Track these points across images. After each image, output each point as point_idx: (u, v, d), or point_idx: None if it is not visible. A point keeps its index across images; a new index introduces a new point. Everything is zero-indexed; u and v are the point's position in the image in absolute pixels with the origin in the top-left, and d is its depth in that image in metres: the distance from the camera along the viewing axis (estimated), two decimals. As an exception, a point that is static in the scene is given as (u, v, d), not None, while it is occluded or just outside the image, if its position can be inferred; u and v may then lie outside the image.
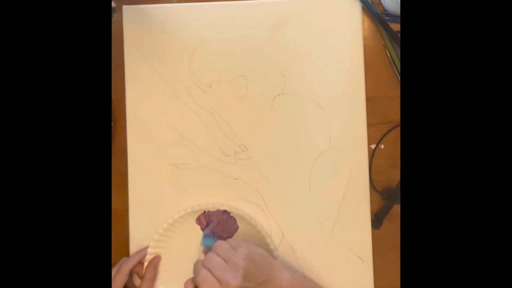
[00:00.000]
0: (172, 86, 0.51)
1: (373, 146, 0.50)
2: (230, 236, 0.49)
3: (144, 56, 0.51)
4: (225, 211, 0.49)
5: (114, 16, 0.50)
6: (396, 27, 0.50)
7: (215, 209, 0.49)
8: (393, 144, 0.50)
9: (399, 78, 0.50)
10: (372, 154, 0.50)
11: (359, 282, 0.49)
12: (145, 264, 0.48)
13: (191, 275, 0.50)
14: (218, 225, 0.49)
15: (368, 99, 0.50)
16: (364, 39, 0.51)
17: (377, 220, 0.49)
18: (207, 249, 0.47)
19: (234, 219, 0.49)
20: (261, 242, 0.49)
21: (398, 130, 0.50)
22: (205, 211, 0.49)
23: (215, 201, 0.50)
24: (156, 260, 0.49)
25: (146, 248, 0.49)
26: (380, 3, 0.51)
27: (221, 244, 0.43)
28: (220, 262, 0.41)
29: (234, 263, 0.41)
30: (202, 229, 0.50)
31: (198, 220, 0.50)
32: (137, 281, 0.49)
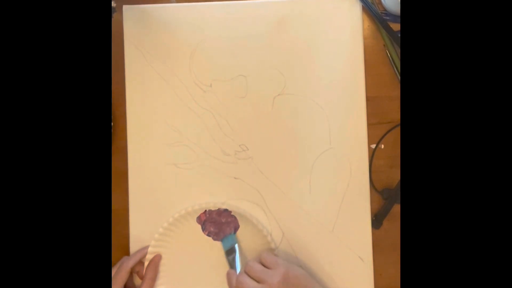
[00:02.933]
0: (172, 86, 0.51)
1: (373, 146, 0.50)
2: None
3: (144, 56, 0.51)
4: (226, 209, 0.49)
5: (114, 16, 0.50)
6: (396, 27, 0.50)
7: (216, 208, 0.49)
8: (393, 144, 0.50)
9: (399, 78, 0.50)
10: (372, 154, 0.50)
11: (359, 282, 0.49)
12: (146, 263, 0.48)
13: (192, 274, 0.50)
14: (218, 223, 0.49)
15: (368, 99, 0.50)
16: (364, 39, 0.51)
17: (377, 220, 0.49)
18: (231, 251, 0.47)
19: (235, 217, 0.49)
20: (262, 240, 0.49)
21: (398, 130, 0.50)
22: (205, 210, 0.49)
23: (216, 200, 0.50)
24: (156, 259, 0.49)
25: (146, 247, 0.49)
26: (380, 3, 0.51)
27: (253, 266, 0.42)
28: (253, 284, 0.40)
29: (269, 284, 0.39)
30: (202, 228, 0.50)
31: (199, 219, 0.50)
32: (137, 280, 0.50)
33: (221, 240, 0.47)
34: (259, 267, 0.42)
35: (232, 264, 0.47)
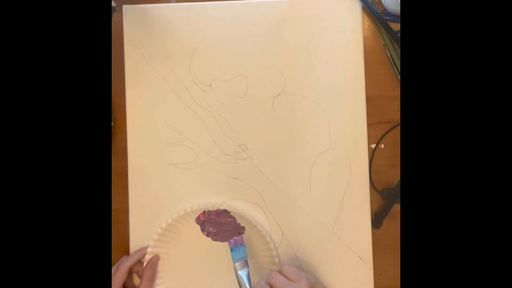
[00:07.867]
0: (172, 86, 0.51)
1: (373, 146, 0.50)
2: (231, 235, 0.49)
3: (144, 56, 0.51)
4: (225, 210, 0.49)
5: (114, 16, 0.50)
6: (396, 27, 0.50)
7: (215, 209, 0.49)
8: (393, 144, 0.50)
9: (399, 78, 0.50)
10: (372, 154, 0.50)
11: (359, 282, 0.49)
12: (144, 264, 0.48)
13: (191, 275, 0.50)
14: (218, 224, 0.49)
15: (368, 99, 0.50)
16: (364, 39, 0.51)
17: (377, 220, 0.49)
18: (242, 264, 0.45)
19: (234, 218, 0.49)
20: (260, 241, 0.49)
21: (398, 130, 0.50)
22: (204, 211, 0.49)
23: (215, 200, 0.50)
24: (154, 259, 0.49)
25: (146, 247, 0.49)
26: (380, 2, 0.51)
27: (277, 277, 0.42)
28: None
29: None
30: (201, 229, 0.50)
31: (198, 220, 0.50)
32: (136, 280, 0.50)
33: (231, 249, 0.46)
34: (283, 279, 0.41)
35: (242, 278, 0.45)
